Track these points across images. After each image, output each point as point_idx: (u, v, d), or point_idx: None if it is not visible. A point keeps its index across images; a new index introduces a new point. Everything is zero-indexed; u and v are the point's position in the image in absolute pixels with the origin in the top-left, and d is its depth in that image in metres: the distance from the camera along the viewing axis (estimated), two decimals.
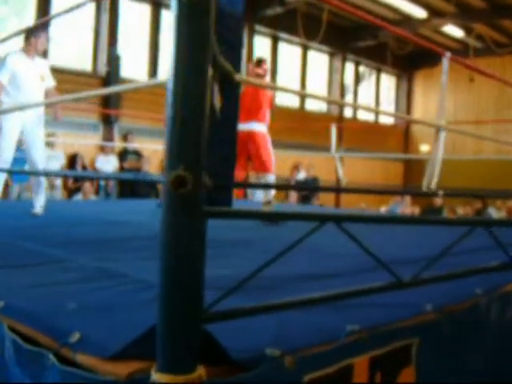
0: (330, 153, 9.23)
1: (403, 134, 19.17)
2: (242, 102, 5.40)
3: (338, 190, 9.38)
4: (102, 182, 10.68)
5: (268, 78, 5.92)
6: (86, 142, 10.74)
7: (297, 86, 15.71)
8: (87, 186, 9.63)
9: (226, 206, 2.67)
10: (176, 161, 1.22)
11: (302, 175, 12.53)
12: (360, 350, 1.66)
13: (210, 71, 1.28)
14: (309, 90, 16.06)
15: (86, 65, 11.36)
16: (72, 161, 10.54)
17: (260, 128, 5.43)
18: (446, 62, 4.76)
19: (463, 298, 2.25)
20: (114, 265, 2.66)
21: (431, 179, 5.13)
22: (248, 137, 5.32)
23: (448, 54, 4.80)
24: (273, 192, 5.55)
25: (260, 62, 5.62)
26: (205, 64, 1.26)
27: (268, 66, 5.87)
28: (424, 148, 17.26)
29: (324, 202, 13.78)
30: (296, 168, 12.67)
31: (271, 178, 5.46)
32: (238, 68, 2.61)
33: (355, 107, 17.49)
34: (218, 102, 2.04)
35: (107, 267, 2.60)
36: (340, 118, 16.60)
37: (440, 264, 2.01)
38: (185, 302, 1.25)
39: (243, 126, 5.16)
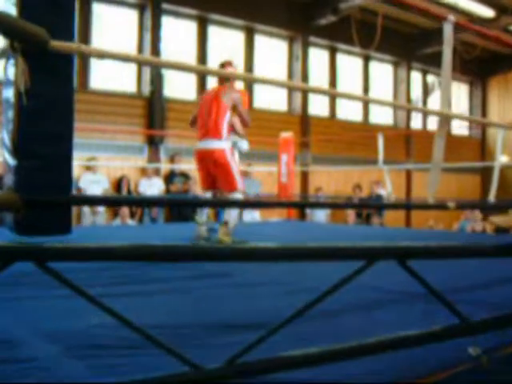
0: (378, 165, 8.32)
1: (479, 146, 17.89)
2: (198, 116, 5.09)
3: (380, 206, 8.43)
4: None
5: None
6: (129, 164, 10.36)
7: (359, 101, 14.86)
8: (124, 210, 9.17)
9: (60, 233, 1.92)
10: None
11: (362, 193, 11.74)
12: None
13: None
14: (373, 105, 15.21)
15: (131, 86, 11.03)
16: (118, 185, 10.16)
17: (216, 145, 4.90)
18: None
19: None
20: None
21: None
22: (205, 156, 4.94)
23: None
24: (234, 212, 4.91)
25: (223, 66, 5.17)
26: None
27: (237, 67, 5.46)
28: (503, 159, 15.95)
29: (393, 221, 12.85)
30: (358, 187, 11.90)
31: (238, 196, 4.92)
32: (68, 34, 1.94)
33: (425, 112, 16.37)
34: (22, 82, 1.41)
35: None
36: (407, 131, 15.64)
37: None
38: None
39: (199, 144, 4.97)
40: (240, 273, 3.05)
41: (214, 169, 4.94)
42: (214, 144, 4.87)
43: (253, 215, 11.01)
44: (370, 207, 4.70)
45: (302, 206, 10.66)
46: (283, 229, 7.50)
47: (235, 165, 4.98)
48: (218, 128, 4.87)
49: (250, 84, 12.57)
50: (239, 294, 2.48)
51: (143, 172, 10.59)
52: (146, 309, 2.10)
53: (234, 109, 5.01)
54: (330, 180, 13.36)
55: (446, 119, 3.84)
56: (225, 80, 5.11)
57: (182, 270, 3.08)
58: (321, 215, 11.94)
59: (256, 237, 5.89)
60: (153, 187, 10.17)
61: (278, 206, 10.04)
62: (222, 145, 4.88)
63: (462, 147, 16.88)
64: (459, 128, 17.70)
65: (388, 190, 8.29)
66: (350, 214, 11.22)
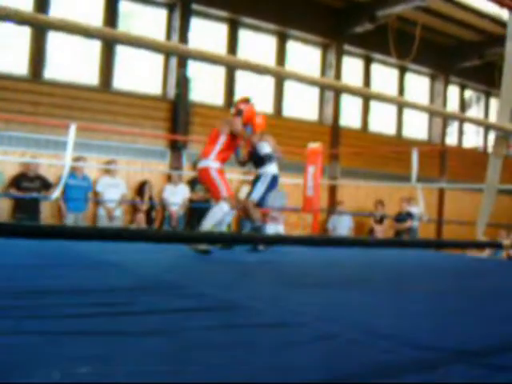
0: (411, 183, 7.74)
1: None
2: None
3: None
4: (167, 214, 9.79)
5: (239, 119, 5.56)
6: (150, 169, 9.95)
7: (393, 113, 14.29)
8: (140, 217, 8.73)
9: None
10: None
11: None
12: None
13: None
14: (407, 117, 14.61)
15: (156, 88, 10.63)
16: (140, 190, 9.75)
17: (202, 164, 5.46)
18: None
19: None
20: None
21: None
22: (198, 173, 5.59)
23: None
24: (211, 220, 5.29)
25: (236, 104, 5.74)
26: None
27: (254, 104, 5.85)
28: None
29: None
30: (380, 203, 11.32)
31: (222, 206, 5.31)
32: None
33: (462, 119, 15.72)
34: None
35: None
36: (443, 146, 15.00)
37: None
38: None
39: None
40: (249, 305, 2.56)
41: (203, 183, 5.70)
42: (201, 163, 5.45)
43: (277, 228, 10.53)
44: (412, 245, 4.21)
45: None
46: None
47: (220, 178, 5.36)
48: (208, 150, 5.43)
49: (280, 92, 12.10)
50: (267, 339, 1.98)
51: (164, 177, 10.17)
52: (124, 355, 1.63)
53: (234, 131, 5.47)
54: (359, 195, 12.78)
55: (505, 135, 3.30)
56: (237, 114, 5.56)
57: (180, 299, 2.60)
58: (343, 232, 11.36)
59: (277, 256, 5.41)
60: (177, 194, 9.73)
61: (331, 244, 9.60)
62: (207, 163, 5.38)
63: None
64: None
65: (421, 210, 7.72)
66: (379, 232, 10.65)
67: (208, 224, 5.24)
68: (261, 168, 5.77)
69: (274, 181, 5.78)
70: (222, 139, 5.44)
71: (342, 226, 11.23)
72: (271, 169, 5.76)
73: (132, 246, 4.66)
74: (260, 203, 5.76)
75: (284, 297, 2.84)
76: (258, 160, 5.81)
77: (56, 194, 7.34)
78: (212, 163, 5.38)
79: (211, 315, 2.29)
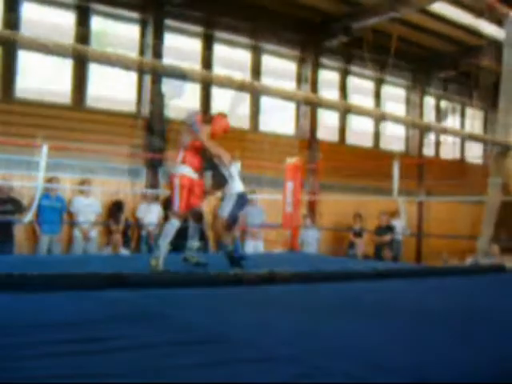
0: (392, 196, 7.64)
1: None
2: None
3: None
4: (144, 233, 9.58)
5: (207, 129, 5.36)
6: (125, 190, 9.73)
7: (370, 125, 14.25)
8: (117, 237, 8.51)
9: None
10: None
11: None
12: None
13: None
14: (384, 130, 14.57)
15: (130, 105, 10.44)
16: (113, 210, 9.49)
17: (173, 170, 5.41)
18: None
19: None
20: None
21: None
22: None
23: None
24: (165, 240, 5.12)
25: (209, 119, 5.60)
26: None
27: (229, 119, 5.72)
28: None
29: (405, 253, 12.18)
30: (358, 216, 11.19)
31: (172, 222, 5.18)
32: None
33: (439, 131, 15.69)
34: None
35: None
36: (420, 157, 14.99)
37: None
38: None
39: None
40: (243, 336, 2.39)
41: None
42: (173, 169, 5.41)
43: (256, 245, 10.36)
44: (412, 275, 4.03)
45: None
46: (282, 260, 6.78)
47: (181, 190, 5.17)
48: (177, 156, 5.33)
49: (255, 108, 11.99)
50: None
51: (139, 196, 9.95)
52: None
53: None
54: (338, 208, 12.66)
55: (504, 149, 3.17)
56: (206, 121, 5.42)
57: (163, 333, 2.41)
58: (313, 244, 11.03)
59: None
60: (152, 213, 9.54)
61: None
62: (177, 170, 5.28)
63: (477, 176, 16.16)
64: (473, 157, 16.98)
65: (403, 223, 7.63)
66: (359, 245, 10.52)
67: (163, 242, 5.11)
68: (226, 187, 5.59)
69: (242, 199, 5.62)
70: (188, 145, 5.31)
71: (310, 239, 10.99)
72: (237, 187, 5.59)
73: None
74: (232, 222, 5.62)
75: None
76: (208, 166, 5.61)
77: (29, 216, 7.12)
78: (182, 169, 5.27)
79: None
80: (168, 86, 10.33)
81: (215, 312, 3.11)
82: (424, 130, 14.61)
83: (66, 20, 9.81)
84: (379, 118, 12.42)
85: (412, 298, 3.96)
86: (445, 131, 15.28)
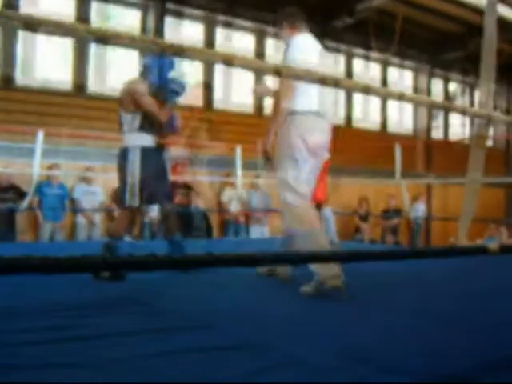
0: (395, 179, 7.51)
1: (503, 157, 16.89)
2: None
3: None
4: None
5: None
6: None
7: (376, 109, 14.07)
8: None
9: None
10: None
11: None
12: None
13: None
14: (391, 112, 14.39)
15: None
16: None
17: None
18: None
19: None
20: None
21: None
22: None
23: None
24: None
25: None
26: None
27: None
28: None
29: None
30: (365, 200, 11.02)
31: None
32: None
33: (446, 108, 15.50)
34: None
35: None
36: (428, 140, 14.79)
37: None
38: None
39: None
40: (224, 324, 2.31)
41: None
42: None
43: (262, 230, 10.27)
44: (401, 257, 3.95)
45: None
46: None
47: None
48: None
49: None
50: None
51: None
52: None
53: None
54: (345, 192, 12.51)
55: (486, 123, 3.06)
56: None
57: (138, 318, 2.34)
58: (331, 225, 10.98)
59: None
60: None
61: None
62: None
63: (486, 159, 15.93)
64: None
65: (405, 207, 7.51)
66: (365, 229, 10.40)
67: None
68: None
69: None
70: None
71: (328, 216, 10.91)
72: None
73: None
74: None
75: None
76: None
77: (26, 203, 7.06)
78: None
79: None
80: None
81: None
82: (444, 108, 14.41)
83: (66, 8, 9.71)
84: (387, 97, 12.24)
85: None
86: (463, 112, 15.08)
